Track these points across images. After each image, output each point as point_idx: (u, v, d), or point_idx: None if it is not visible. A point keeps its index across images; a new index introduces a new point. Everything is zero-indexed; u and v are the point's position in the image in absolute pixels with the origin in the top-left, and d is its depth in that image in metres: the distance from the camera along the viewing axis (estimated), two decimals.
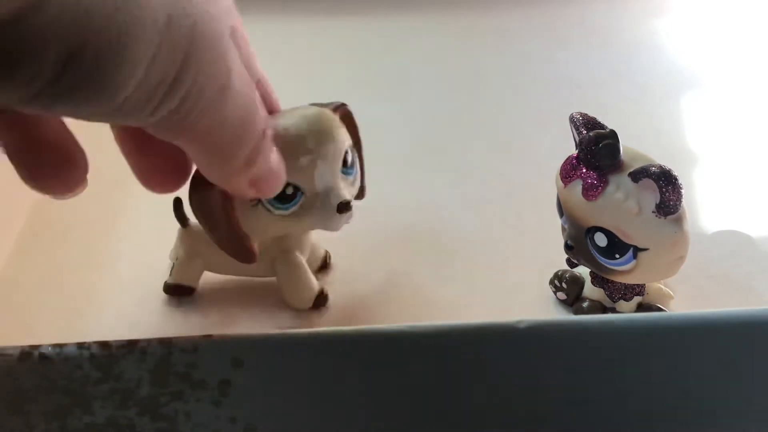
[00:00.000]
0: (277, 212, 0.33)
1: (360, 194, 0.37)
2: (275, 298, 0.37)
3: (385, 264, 0.40)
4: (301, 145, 0.32)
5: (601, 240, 0.31)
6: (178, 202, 0.36)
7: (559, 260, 0.35)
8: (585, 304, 0.36)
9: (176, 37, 0.21)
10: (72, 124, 0.47)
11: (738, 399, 0.27)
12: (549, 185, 0.34)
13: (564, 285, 0.37)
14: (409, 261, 0.40)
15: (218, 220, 0.32)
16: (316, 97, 0.35)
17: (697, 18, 0.69)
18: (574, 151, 0.32)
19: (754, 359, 0.27)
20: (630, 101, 0.55)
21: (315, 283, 0.37)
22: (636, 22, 0.68)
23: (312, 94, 0.52)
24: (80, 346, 0.25)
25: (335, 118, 0.34)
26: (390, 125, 0.53)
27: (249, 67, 0.26)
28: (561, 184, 0.32)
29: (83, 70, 0.19)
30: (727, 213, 0.43)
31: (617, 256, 0.31)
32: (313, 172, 0.32)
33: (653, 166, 0.29)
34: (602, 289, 0.35)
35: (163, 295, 0.38)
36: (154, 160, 0.30)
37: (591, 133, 0.31)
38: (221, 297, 0.38)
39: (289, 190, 0.32)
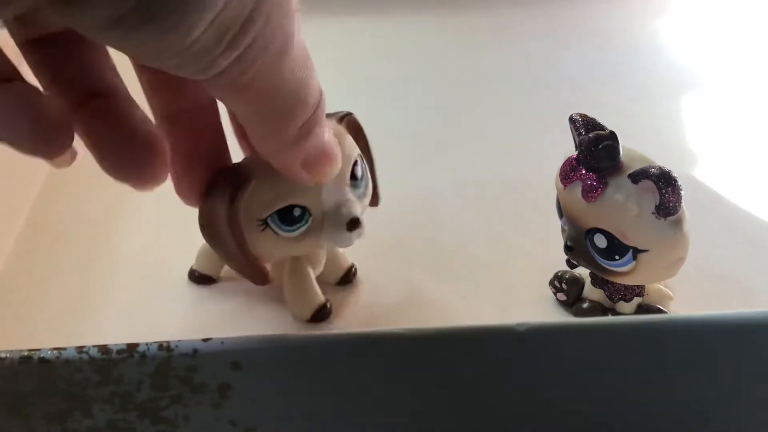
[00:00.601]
0: (285, 234, 0.32)
1: (374, 201, 0.36)
2: (281, 303, 0.37)
3: (384, 264, 0.40)
4: None
5: (600, 241, 0.31)
6: None
7: (559, 260, 0.35)
8: (585, 305, 0.36)
9: None
10: None
11: (738, 401, 0.27)
12: (549, 185, 0.34)
13: (564, 286, 0.37)
14: (408, 261, 0.40)
15: (225, 242, 0.32)
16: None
17: (697, 18, 0.69)
18: (573, 152, 0.32)
19: (755, 361, 0.27)
20: (630, 101, 0.55)
21: (318, 296, 0.36)
22: (636, 22, 0.68)
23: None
24: (80, 349, 0.25)
25: (340, 131, 0.33)
26: (390, 125, 0.53)
27: None
28: (561, 185, 0.32)
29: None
30: (727, 213, 0.43)
31: (617, 257, 0.31)
32: (320, 190, 0.32)
33: (653, 168, 0.29)
34: (602, 290, 0.35)
35: (163, 297, 0.38)
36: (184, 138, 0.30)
37: (590, 135, 0.31)
38: (224, 299, 0.38)
39: (297, 212, 0.32)
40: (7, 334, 0.36)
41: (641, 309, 0.35)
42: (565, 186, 0.32)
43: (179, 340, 0.25)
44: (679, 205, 0.30)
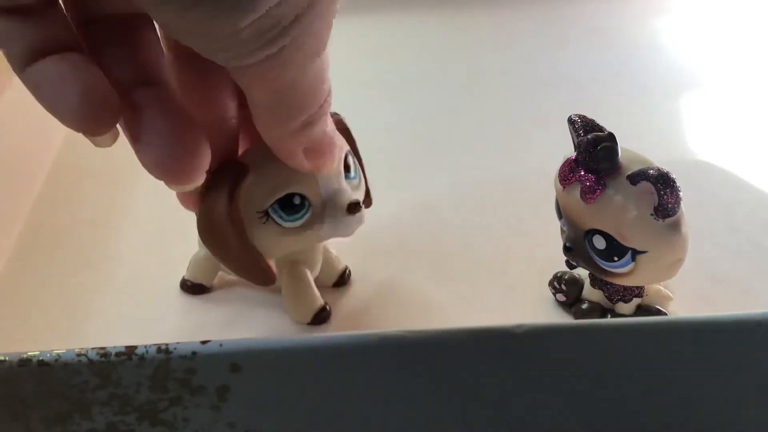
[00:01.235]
0: (288, 225, 0.32)
1: (367, 202, 0.36)
2: (281, 306, 0.37)
3: (384, 265, 0.40)
4: None
5: (599, 243, 0.31)
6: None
7: (558, 261, 0.35)
8: (584, 306, 0.36)
9: None
10: None
11: (738, 401, 0.27)
12: (549, 185, 0.34)
13: (563, 286, 0.37)
14: (408, 261, 0.40)
15: (228, 241, 0.31)
16: None
17: (697, 18, 0.69)
18: (573, 153, 0.32)
19: (755, 362, 0.27)
20: (630, 101, 0.55)
21: (317, 299, 0.36)
22: (636, 22, 0.68)
23: None
24: (79, 352, 0.25)
25: None
26: (389, 125, 0.53)
27: None
28: (559, 186, 0.32)
29: None
30: (727, 213, 0.43)
31: (616, 258, 0.31)
32: (317, 179, 0.32)
33: (651, 169, 0.29)
34: (601, 291, 0.35)
35: (163, 298, 0.38)
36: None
37: (589, 136, 0.31)
38: (225, 300, 0.38)
39: (296, 200, 0.32)
40: (6, 336, 0.36)
41: (641, 310, 0.35)
42: (564, 187, 0.32)
43: (178, 343, 0.25)
44: (678, 207, 0.30)
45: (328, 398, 0.26)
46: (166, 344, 0.25)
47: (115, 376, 0.25)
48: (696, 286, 0.37)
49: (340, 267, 0.39)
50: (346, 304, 0.38)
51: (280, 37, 0.23)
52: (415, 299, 0.38)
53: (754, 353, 0.26)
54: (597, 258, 0.32)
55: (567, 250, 0.33)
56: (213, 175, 0.31)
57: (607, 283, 0.34)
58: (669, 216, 0.30)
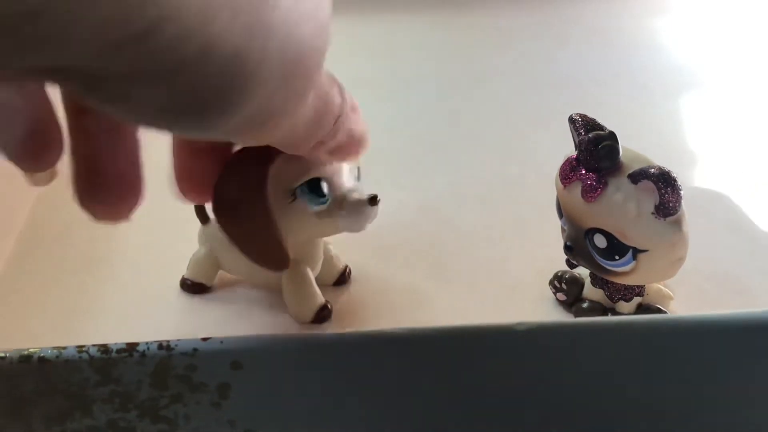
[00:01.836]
0: (313, 207, 0.33)
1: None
2: (282, 304, 0.37)
3: (384, 264, 0.40)
4: None
5: (600, 241, 0.31)
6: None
7: (558, 260, 0.35)
8: (585, 305, 0.36)
9: (292, 77, 0.21)
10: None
11: (739, 400, 0.27)
12: (549, 185, 0.34)
13: (564, 286, 0.37)
14: (408, 261, 0.40)
15: (251, 217, 0.32)
16: None
17: (697, 18, 0.69)
18: (573, 152, 0.32)
19: (755, 361, 0.27)
20: (630, 101, 0.55)
21: (318, 297, 0.36)
22: (636, 22, 0.68)
23: None
24: (80, 349, 0.25)
25: None
26: (389, 125, 0.53)
27: None
28: (560, 185, 0.32)
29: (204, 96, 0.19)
30: (727, 213, 0.43)
31: (617, 257, 0.31)
32: (340, 170, 0.33)
33: (652, 168, 0.29)
34: (602, 290, 0.35)
35: (163, 296, 0.38)
36: (203, 165, 0.30)
37: (590, 135, 0.31)
38: (225, 299, 0.38)
39: (324, 185, 0.32)
40: (6, 335, 0.36)
41: (641, 308, 0.35)
42: (564, 186, 0.32)
43: (179, 339, 0.25)
44: (679, 206, 0.30)
45: (329, 396, 0.26)
46: (167, 341, 0.25)
47: (116, 373, 0.25)
48: (696, 285, 0.37)
49: (341, 266, 0.39)
50: (346, 302, 0.38)
51: (266, 123, 0.22)
52: (415, 299, 0.38)
53: (754, 352, 0.26)
54: (598, 257, 0.32)
55: (568, 249, 0.33)
56: (234, 158, 0.31)
57: (607, 282, 0.34)
58: (670, 215, 0.30)
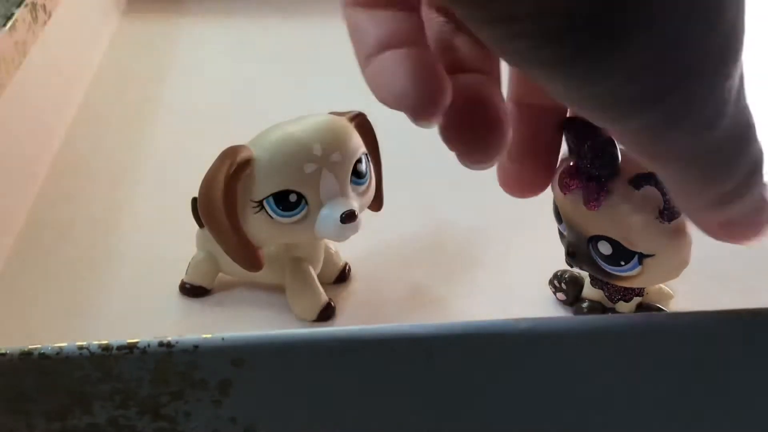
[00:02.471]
0: (279, 219, 0.32)
1: (376, 206, 0.36)
2: (283, 303, 0.37)
3: (384, 264, 0.40)
4: (308, 152, 0.32)
5: (605, 248, 0.31)
6: (196, 203, 0.36)
7: (558, 260, 0.35)
8: (584, 305, 0.36)
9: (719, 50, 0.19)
10: (77, 125, 0.47)
11: (739, 401, 0.27)
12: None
13: (563, 285, 0.36)
14: (408, 261, 0.40)
15: (221, 223, 0.32)
16: (315, 97, 0.35)
17: None
18: (566, 155, 0.31)
19: (755, 362, 0.27)
20: None
21: (322, 296, 0.36)
22: None
23: (312, 94, 0.53)
24: (80, 345, 0.25)
25: (347, 127, 0.33)
26: (389, 124, 0.53)
27: None
28: (560, 193, 0.32)
29: None
30: None
31: (622, 263, 0.31)
32: (319, 180, 0.32)
33: (653, 172, 0.29)
34: (602, 290, 0.35)
35: (163, 295, 0.38)
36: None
37: (589, 143, 0.30)
38: (226, 298, 0.38)
39: (293, 198, 0.32)
40: (7, 333, 0.36)
41: (641, 308, 0.35)
42: (564, 193, 0.31)
43: (180, 336, 0.25)
44: None
45: (331, 393, 0.26)
46: (168, 338, 0.25)
47: (117, 370, 0.25)
48: (696, 284, 0.37)
49: (341, 263, 0.39)
50: (347, 301, 0.38)
51: (657, 100, 0.18)
52: (415, 297, 0.38)
53: (754, 353, 0.26)
54: (602, 263, 0.31)
55: (570, 256, 0.33)
56: (222, 153, 0.32)
57: (607, 282, 0.34)
58: (675, 218, 0.29)
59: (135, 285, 0.39)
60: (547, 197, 0.35)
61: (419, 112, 0.23)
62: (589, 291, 0.36)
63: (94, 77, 0.57)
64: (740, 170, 0.21)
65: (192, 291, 0.38)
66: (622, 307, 0.35)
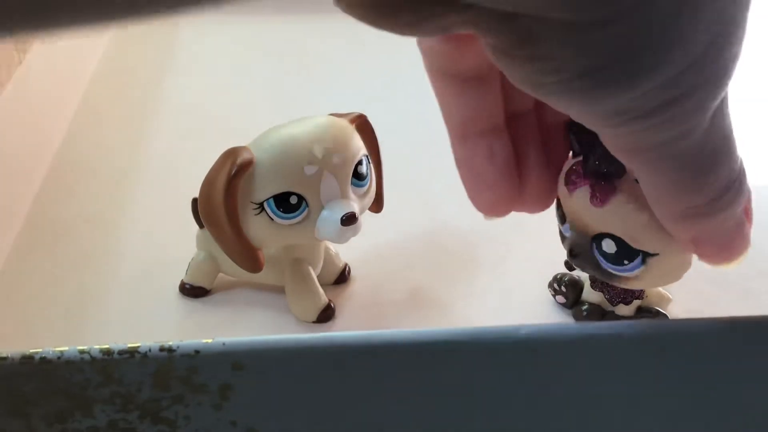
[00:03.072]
0: (279, 221, 0.32)
1: (376, 207, 0.36)
2: (283, 304, 0.37)
3: (384, 265, 0.40)
4: (308, 154, 0.32)
5: (609, 247, 0.31)
6: (196, 203, 0.36)
7: (558, 262, 0.35)
8: (584, 308, 0.36)
9: (711, 61, 0.20)
10: (77, 124, 0.47)
11: (738, 404, 0.27)
12: None
13: (563, 288, 0.37)
14: (408, 261, 0.40)
15: (221, 224, 0.32)
16: (315, 97, 0.35)
17: None
18: (572, 155, 0.32)
19: (755, 363, 0.27)
20: None
21: (322, 297, 0.36)
22: None
23: (312, 95, 0.52)
24: (81, 350, 0.25)
25: (348, 128, 0.33)
26: (389, 125, 0.53)
27: None
28: (565, 191, 0.31)
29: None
30: None
31: (626, 262, 0.31)
32: (319, 182, 0.32)
33: None
34: (602, 293, 0.35)
35: (163, 296, 0.38)
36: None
37: (597, 140, 0.30)
38: (226, 299, 0.38)
39: (293, 200, 0.32)
40: (6, 333, 0.36)
41: (641, 311, 0.35)
42: (570, 191, 0.31)
43: (180, 341, 0.25)
44: None
45: (330, 397, 0.26)
46: (169, 342, 0.25)
47: (118, 373, 0.25)
48: (695, 287, 0.37)
49: (340, 264, 0.39)
50: (347, 302, 0.38)
51: (660, 110, 0.19)
52: (415, 299, 0.38)
53: (754, 355, 0.27)
54: (605, 262, 0.31)
55: (572, 256, 0.33)
56: (223, 153, 0.32)
57: (607, 285, 0.34)
58: None
59: (135, 285, 0.39)
60: None
61: (494, 216, 0.26)
62: (589, 294, 0.36)
63: (93, 77, 0.57)
64: (711, 185, 0.21)
65: (192, 291, 0.38)
66: (622, 309, 0.35)
